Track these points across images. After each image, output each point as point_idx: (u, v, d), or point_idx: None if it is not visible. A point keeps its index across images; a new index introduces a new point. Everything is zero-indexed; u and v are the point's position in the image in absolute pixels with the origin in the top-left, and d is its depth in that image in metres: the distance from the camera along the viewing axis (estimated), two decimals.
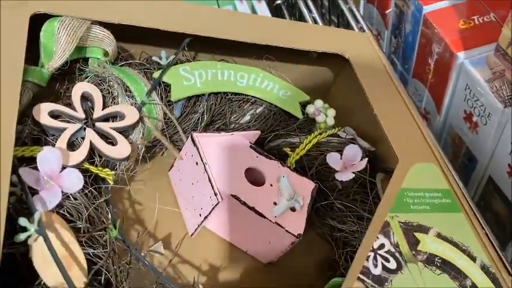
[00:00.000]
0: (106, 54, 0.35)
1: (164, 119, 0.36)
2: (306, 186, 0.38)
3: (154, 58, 0.37)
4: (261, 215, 0.34)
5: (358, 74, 0.40)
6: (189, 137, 0.35)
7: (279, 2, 0.68)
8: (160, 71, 0.36)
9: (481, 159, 0.44)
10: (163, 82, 0.36)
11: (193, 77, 0.37)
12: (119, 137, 0.31)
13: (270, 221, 0.34)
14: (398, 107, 0.40)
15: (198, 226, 0.35)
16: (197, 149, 0.34)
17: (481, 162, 0.44)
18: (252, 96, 0.40)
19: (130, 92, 0.34)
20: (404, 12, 0.51)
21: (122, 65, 0.36)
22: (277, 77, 0.42)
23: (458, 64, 0.43)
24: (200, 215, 0.34)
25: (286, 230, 0.34)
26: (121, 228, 0.30)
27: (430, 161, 0.36)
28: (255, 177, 0.37)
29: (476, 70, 0.41)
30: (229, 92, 0.39)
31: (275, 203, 0.35)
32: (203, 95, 0.37)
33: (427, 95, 0.50)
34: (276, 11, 0.68)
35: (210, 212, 0.33)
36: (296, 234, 0.34)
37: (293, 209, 0.36)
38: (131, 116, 0.32)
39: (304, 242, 0.38)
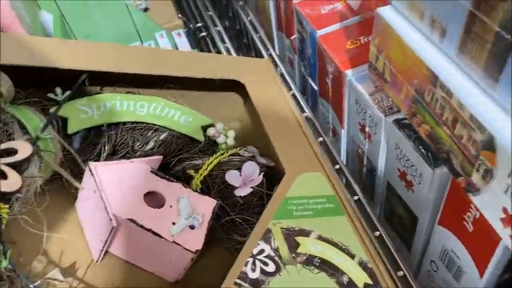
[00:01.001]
0: (1, 95, 0.37)
1: (64, 151, 0.38)
2: (208, 204, 0.40)
3: (50, 95, 0.39)
4: (158, 235, 0.36)
5: (252, 97, 0.44)
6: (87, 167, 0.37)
7: (203, 34, 0.72)
8: (56, 107, 0.38)
9: (378, 167, 0.48)
10: (61, 117, 0.38)
11: (90, 110, 0.39)
12: (9, 171, 0.33)
13: (168, 240, 0.36)
14: (289, 125, 0.43)
15: (101, 251, 0.36)
16: (93, 177, 0.36)
17: (379, 169, 0.48)
18: (153, 124, 0.42)
19: (25, 128, 0.36)
20: (304, 37, 0.55)
21: (19, 104, 0.38)
22: (179, 104, 0.44)
23: (348, 81, 0.47)
24: (101, 241, 0.36)
25: (183, 248, 0.36)
26: (12, 258, 0.31)
27: (316, 171, 0.39)
28: (157, 201, 0.39)
29: (361, 85, 0.45)
30: (129, 122, 0.41)
31: (174, 223, 0.37)
32: (102, 126, 0.40)
33: (331, 111, 0.54)
34: (200, 43, 0.72)
35: (109, 237, 0.35)
36: (194, 251, 0.36)
37: (192, 227, 0.38)
38: (23, 150, 0.34)
39: (213, 258, 0.40)
